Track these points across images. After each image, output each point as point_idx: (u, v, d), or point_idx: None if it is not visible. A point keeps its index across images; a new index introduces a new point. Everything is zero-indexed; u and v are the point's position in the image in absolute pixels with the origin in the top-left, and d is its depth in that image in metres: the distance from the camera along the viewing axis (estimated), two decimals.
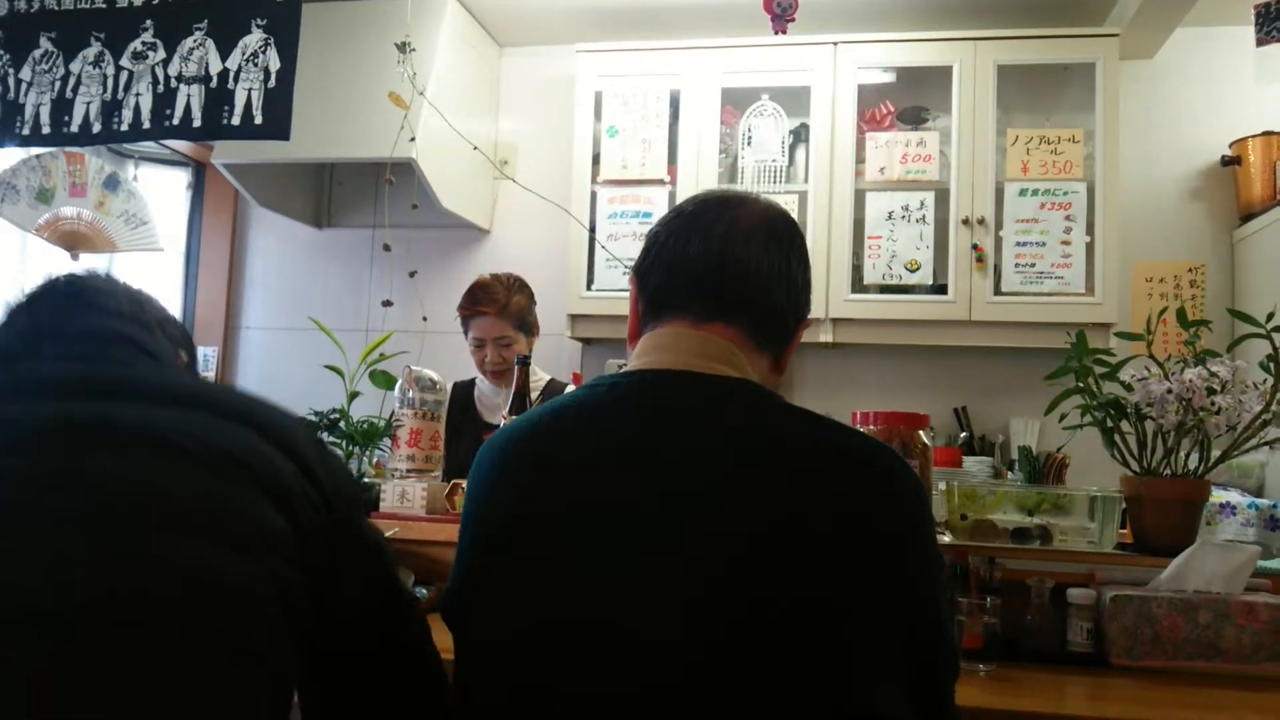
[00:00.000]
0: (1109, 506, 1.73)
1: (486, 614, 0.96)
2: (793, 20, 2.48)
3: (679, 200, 2.02)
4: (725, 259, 1.05)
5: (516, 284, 2.79)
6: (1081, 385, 1.81)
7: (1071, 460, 1.97)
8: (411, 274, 2.87)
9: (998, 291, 3.10)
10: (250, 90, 2.55)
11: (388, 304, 2.66)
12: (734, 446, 0.93)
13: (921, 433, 1.70)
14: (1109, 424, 1.79)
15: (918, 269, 3.16)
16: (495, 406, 2.74)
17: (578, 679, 0.88)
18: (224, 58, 2.58)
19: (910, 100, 3.32)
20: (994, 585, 1.57)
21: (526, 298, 2.78)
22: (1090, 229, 3.08)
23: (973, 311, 3.09)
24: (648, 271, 1.09)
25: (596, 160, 3.40)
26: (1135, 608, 1.58)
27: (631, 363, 1.07)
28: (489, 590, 0.97)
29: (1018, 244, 3.10)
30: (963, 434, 3.29)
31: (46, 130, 2.69)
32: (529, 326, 2.79)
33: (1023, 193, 3.13)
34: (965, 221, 3.10)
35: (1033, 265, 3.08)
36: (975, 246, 3.08)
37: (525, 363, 2.21)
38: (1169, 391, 1.71)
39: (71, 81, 2.68)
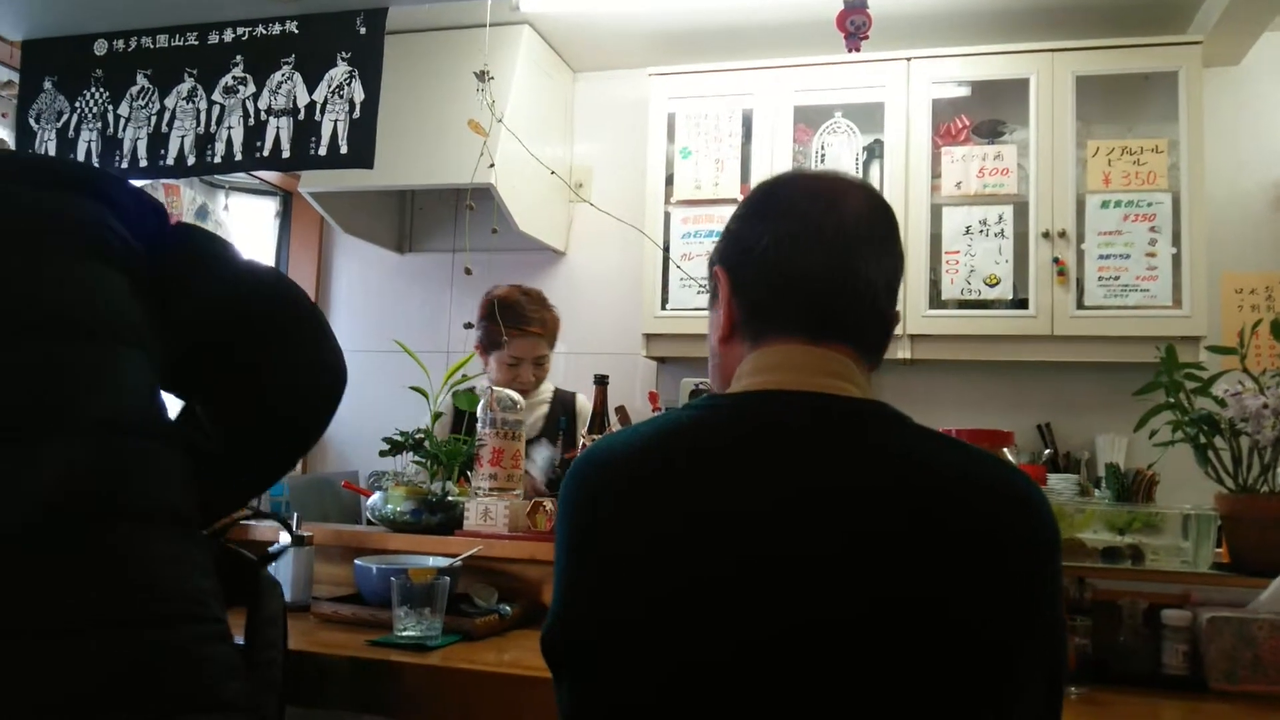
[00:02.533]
0: (1204, 525, 1.69)
1: (622, 657, 0.89)
2: (866, 38, 2.48)
3: None
4: (843, 277, 0.99)
5: (546, 301, 2.89)
6: (1173, 400, 1.77)
7: (1161, 477, 1.92)
8: None
9: (1080, 305, 3.04)
10: (336, 121, 2.63)
11: (469, 326, 2.71)
12: (875, 475, 0.88)
13: (1005, 450, 1.68)
14: (1202, 440, 1.75)
15: (997, 284, 3.12)
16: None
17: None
18: (311, 90, 2.67)
19: (986, 114, 3.29)
20: (1084, 606, 1.54)
21: (556, 314, 2.86)
22: (1176, 240, 3.01)
23: (1055, 326, 3.03)
24: (751, 282, 1.02)
25: (670, 181, 3.43)
26: (1235, 630, 1.53)
27: (746, 380, 1.00)
28: (624, 630, 0.89)
29: (1100, 257, 3.04)
30: (1046, 451, 3.23)
31: (144, 163, 2.81)
32: (556, 342, 2.90)
33: (1105, 204, 3.07)
34: (1045, 235, 3.05)
35: (1116, 278, 3.02)
36: (1056, 260, 3.03)
37: (603, 382, 2.24)
38: (1265, 406, 1.66)
39: (167, 116, 2.80)
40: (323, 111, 2.64)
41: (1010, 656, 0.85)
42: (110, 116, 2.83)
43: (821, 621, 0.83)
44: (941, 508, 0.86)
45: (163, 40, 2.82)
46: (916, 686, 0.82)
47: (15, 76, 2.85)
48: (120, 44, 2.84)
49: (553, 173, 3.03)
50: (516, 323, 2.75)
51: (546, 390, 2.99)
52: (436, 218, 4.05)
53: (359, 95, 2.61)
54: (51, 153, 2.84)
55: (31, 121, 2.86)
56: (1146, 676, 1.57)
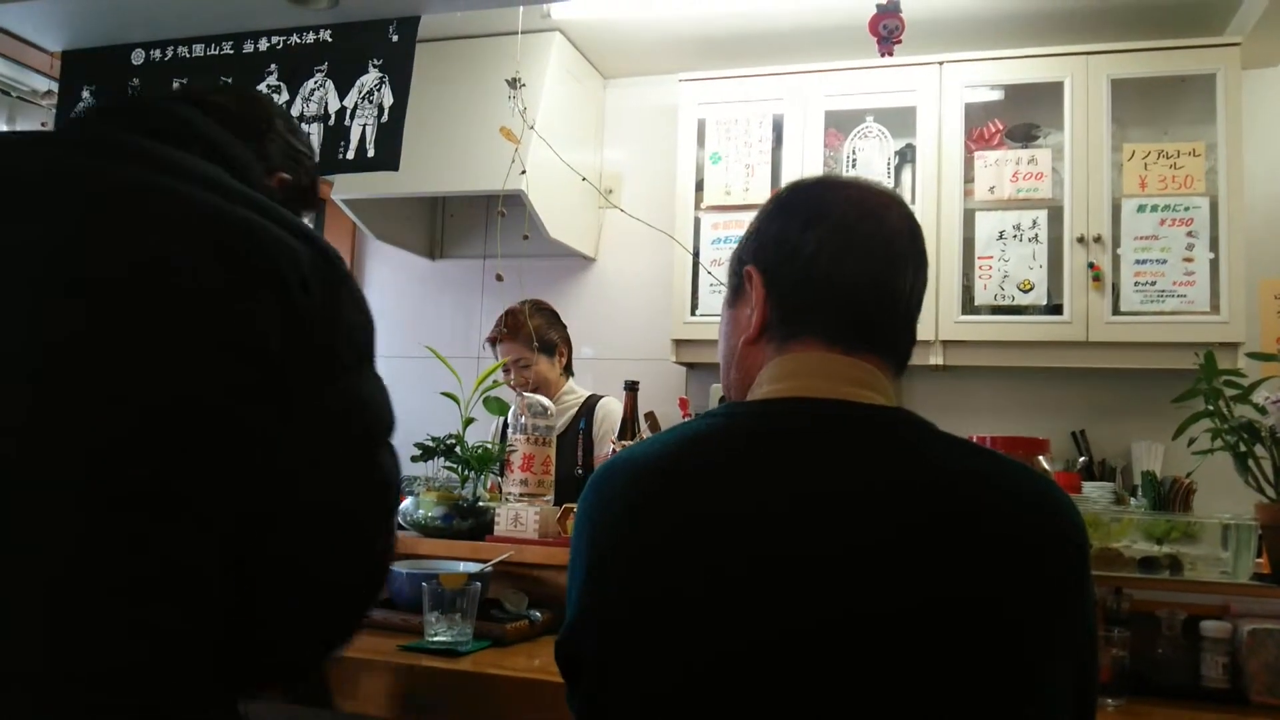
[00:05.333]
0: (1244, 535, 1.66)
1: (640, 660, 0.89)
2: (899, 42, 2.46)
3: None
4: (885, 289, 1.00)
5: (536, 308, 2.99)
6: (1212, 408, 1.74)
7: (1199, 486, 1.89)
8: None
9: (1116, 311, 3.00)
10: (364, 125, 2.65)
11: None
12: (902, 482, 0.87)
13: (1041, 458, 1.66)
14: (1242, 449, 1.72)
15: (1031, 289, 3.09)
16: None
17: None
18: (342, 97, 2.69)
19: (1020, 117, 3.26)
20: (1122, 616, 1.52)
21: (544, 319, 2.92)
22: (1214, 245, 2.96)
23: (1090, 332, 3.00)
24: (791, 285, 1.01)
25: (700, 187, 3.43)
26: (1277, 642, 1.51)
27: (768, 386, 0.99)
28: (645, 635, 0.89)
29: (1137, 262, 3.00)
30: (1081, 459, 3.18)
31: None
32: (550, 346, 2.96)
33: (1141, 209, 3.03)
34: (1080, 240, 3.02)
35: (1153, 284, 2.98)
36: (1092, 265, 3.00)
37: (633, 388, 2.24)
38: None
39: None
40: (352, 117, 2.66)
41: (1035, 660, 0.84)
42: None
43: (841, 627, 0.82)
44: (967, 511, 0.86)
45: (199, 50, 2.85)
46: (940, 691, 0.81)
47: (54, 86, 2.89)
48: (157, 54, 2.87)
49: (584, 179, 3.04)
50: (495, 330, 2.97)
51: (578, 394, 3.01)
52: (467, 224, 4.07)
53: (388, 100, 2.62)
54: None
55: None
56: (1185, 689, 1.54)
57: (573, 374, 3.18)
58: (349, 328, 1.00)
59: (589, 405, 3.03)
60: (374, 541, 1.03)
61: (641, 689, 0.88)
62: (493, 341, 3.00)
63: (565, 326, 3.15)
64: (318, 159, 2.69)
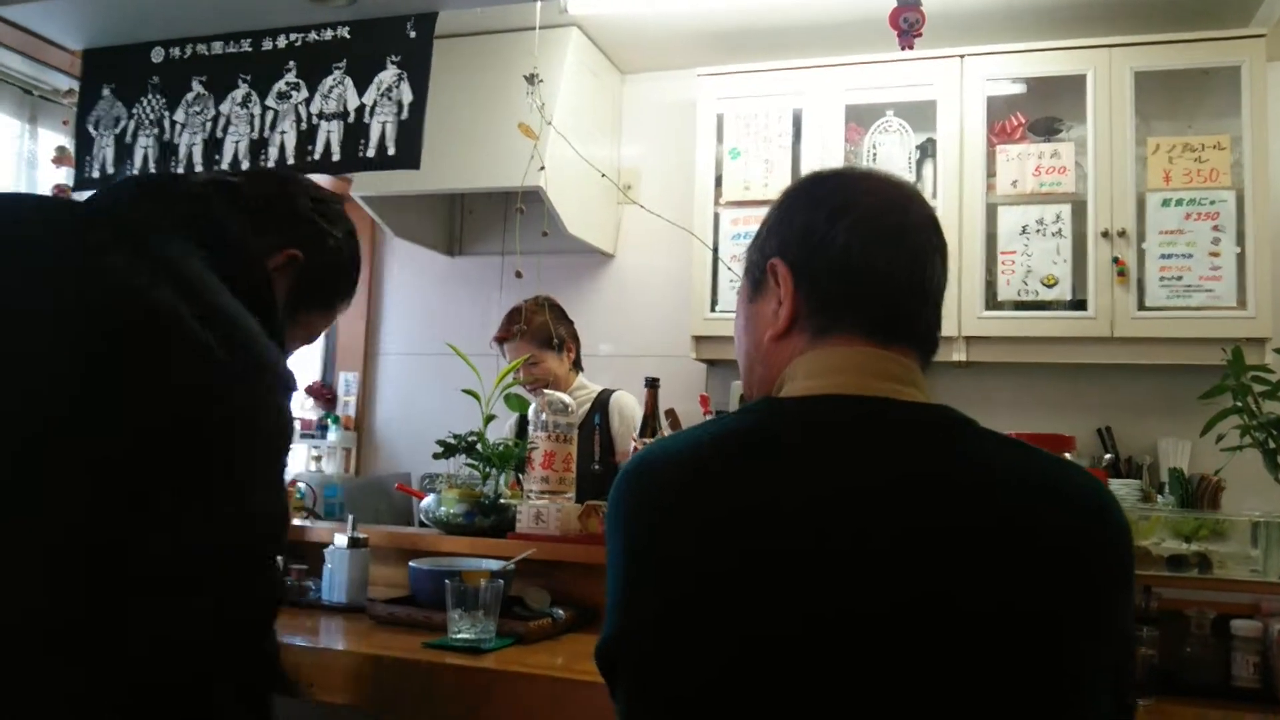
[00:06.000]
0: (1274, 533, 1.64)
1: (683, 658, 0.87)
2: (920, 35, 2.43)
3: None
4: (916, 278, 0.99)
5: (542, 304, 2.96)
6: (1240, 404, 1.72)
7: (1227, 483, 1.87)
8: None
9: (1141, 306, 2.97)
10: (384, 123, 2.65)
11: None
12: (949, 477, 0.86)
13: (1067, 455, 1.64)
14: (1271, 445, 1.70)
15: (1055, 284, 3.06)
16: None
17: None
18: (360, 94, 2.69)
19: (1042, 111, 3.23)
20: (1151, 615, 1.51)
21: (550, 315, 2.91)
22: (1240, 239, 2.93)
23: (1115, 327, 2.97)
24: (824, 277, 1.00)
25: (719, 182, 3.41)
26: None
27: (805, 381, 0.97)
28: (686, 631, 0.87)
29: (1162, 256, 2.97)
30: (1107, 456, 3.16)
31: (199, 168, 2.84)
32: (557, 342, 2.93)
33: (1165, 203, 3.00)
34: (1105, 234, 2.99)
35: (1179, 279, 2.95)
36: (1116, 260, 2.97)
37: (654, 385, 2.23)
38: None
39: (221, 122, 2.84)
40: (371, 114, 2.66)
41: (1077, 661, 0.83)
42: (166, 123, 2.87)
43: (886, 622, 0.81)
44: (1015, 511, 0.85)
45: (218, 47, 2.86)
46: (982, 690, 0.80)
47: (76, 84, 2.91)
48: (176, 51, 2.89)
49: (602, 175, 3.04)
50: (500, 328, 2.97)
51: (590, 389, 3.04)
52: (486, 221, 4.07)
53: (407, 97, 2.63)
54: (109, 159, 2.89)
55: (90, 128, 2.91)
56: (1215, 688, 1.53)
57: (582, 369, 3.16)
58: (260, 440, 1.04)
59: (602, 400, 3.02)
60: (260, 643, 1.06)
61: (683, 688, 0.86)
62: (500, 341, 3.00)
63: (572, 322, 3.13)
64: (337, 157, 2.71)
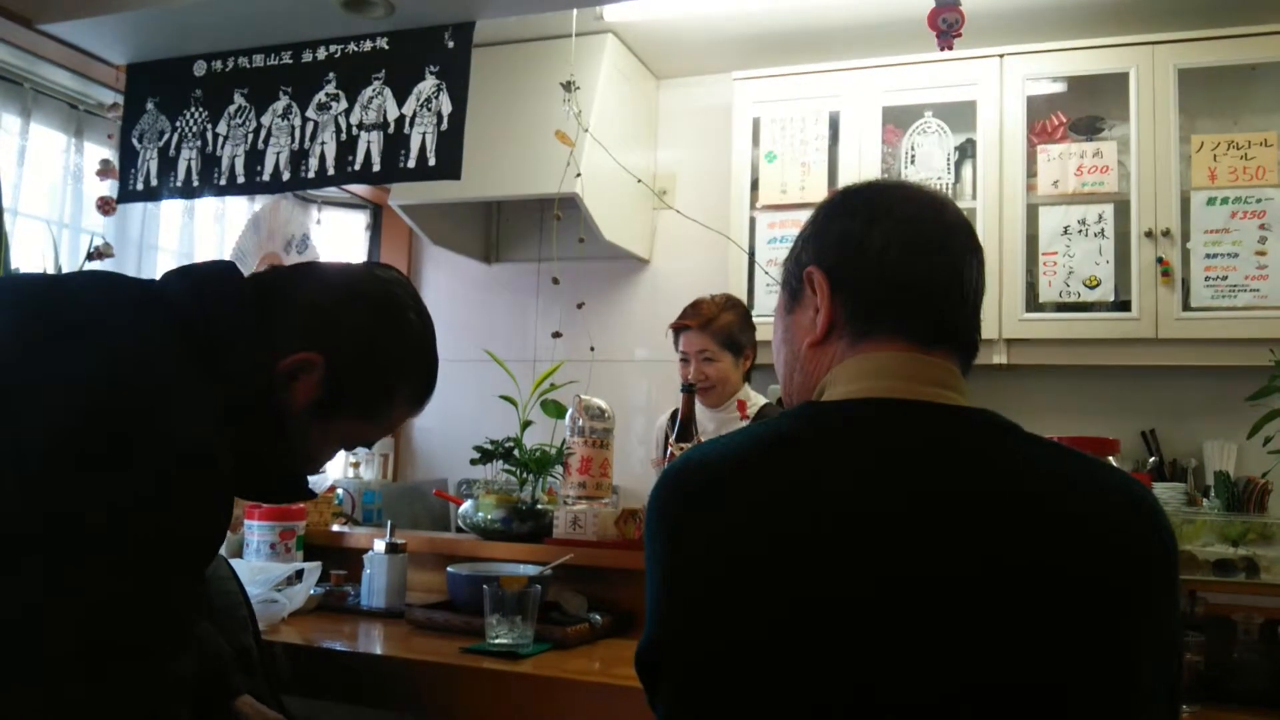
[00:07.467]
0: None
1: (738, 677, 0.85)
2: (959, 35, 2.42)
3: None
4: (956, 283, 0.99)
5: (729, 303, 2.81)
6: None
7: (1274, 486, 1.83)
8: (579, 305, 2.95)
9: (1186, 307, 2.92)
10: (424, 134, 2.67)
11: (557, 335, 2.72)
12: (998, 483, 0.86)
13: (1111, 458, 1.62)
14: None
15: (1097, 285, 3.02)
16: (707, 432, 2.61)
17: None
18: (400, 104, 2.71)
19: (1083, 110, 3.19)
20: (1196, 620, 1.48)
21: (738, 317, 2.78)
22: None
23: (1159, 329, 2.92)
24: (862, 283, 0.99)
25: (755, 186, 3.41)
26: None
27: (845, 386, 0.96)
28: (724, 629, 0.86)
29: (1207, 256, 2.92)
30: (1151, 459, 3.11)
31: (241, 180, 2.88)
32: (738, 347, 2.77)
33: (1211, 201, 2.95)
34: (1149, 234, 2.95)
35: (1225, 278, 2.90)
36: (1160, 260, 2.92)
37: (691, 390, 2.23)
38: None
39: (263, 134, 2.87)
40: (411, 125, 2.68)
41: (1136, 666, 0.82)
42: (209, 135, 2.91)
43: (952, 639, 0.80)
44: (1066, 515, 0.84)
45: (259, 60, 2.89)
46: (1042, 697, 0.80)
47: (120, 99, 2.96)
48: (218, 65, 2.93)
49: (638, 180, 3.04)
50: (680, 318, 2.77)
51: (755, 403, 2.84)
52: (522, 228, 4.09)
53: (446, 108, 2.64)
54: (153, 171, 2.94)
55: (135, 142, 2.96)
56: (1263, 695, 1.50)
57: (750, 381, 2.95)
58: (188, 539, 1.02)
59: (765, 415, 2.87)
60: None
61: (724, 689, 0.86)
62: (676, 330, 2.82)
63: (754, 329, 2.92)
64: (378, 168, 2.73)
